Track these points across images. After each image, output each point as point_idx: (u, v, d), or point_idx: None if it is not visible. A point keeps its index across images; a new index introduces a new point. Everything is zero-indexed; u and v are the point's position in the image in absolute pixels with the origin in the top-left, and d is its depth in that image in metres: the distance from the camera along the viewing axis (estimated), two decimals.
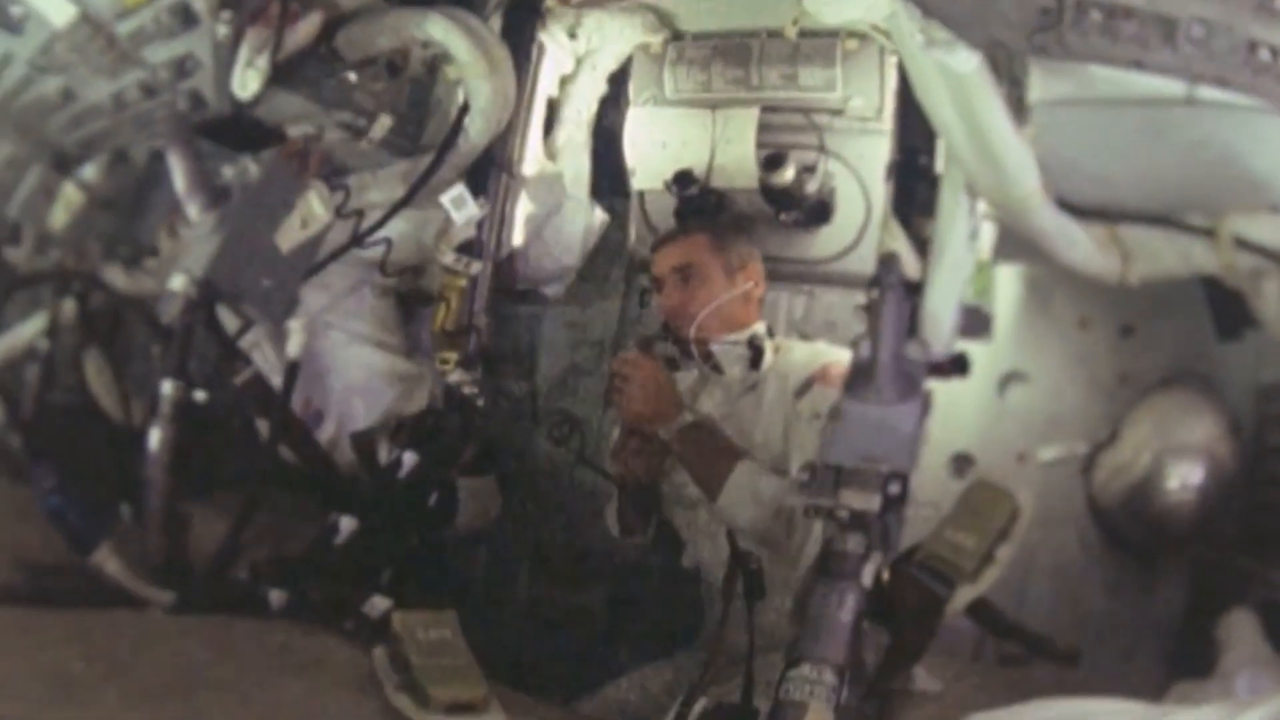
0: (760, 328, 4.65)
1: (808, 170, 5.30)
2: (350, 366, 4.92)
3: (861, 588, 2.80)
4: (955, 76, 3.33)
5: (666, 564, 4.71)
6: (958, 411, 5.44)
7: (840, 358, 4.17)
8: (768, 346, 4.57)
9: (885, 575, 2.89)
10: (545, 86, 5.41)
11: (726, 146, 5.52)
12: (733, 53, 5.56)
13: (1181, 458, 4.89)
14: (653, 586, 4.82)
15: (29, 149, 5.05)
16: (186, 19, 3.72)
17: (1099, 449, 5.24)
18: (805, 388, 4.29)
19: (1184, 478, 4.86)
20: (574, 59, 5.50)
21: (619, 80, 5.81)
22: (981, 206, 3.88)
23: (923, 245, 3.96)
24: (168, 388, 3.79)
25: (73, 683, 2.71)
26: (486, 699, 3.06)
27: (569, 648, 4.59)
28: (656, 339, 4.64)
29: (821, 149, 5.43)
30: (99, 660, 2.85)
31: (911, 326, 3.64)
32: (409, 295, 5.40)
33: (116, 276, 5.55)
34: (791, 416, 4.30)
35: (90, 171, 5.50)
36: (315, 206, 3.98)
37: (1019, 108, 3.47)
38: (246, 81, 3.89)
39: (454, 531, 4.87)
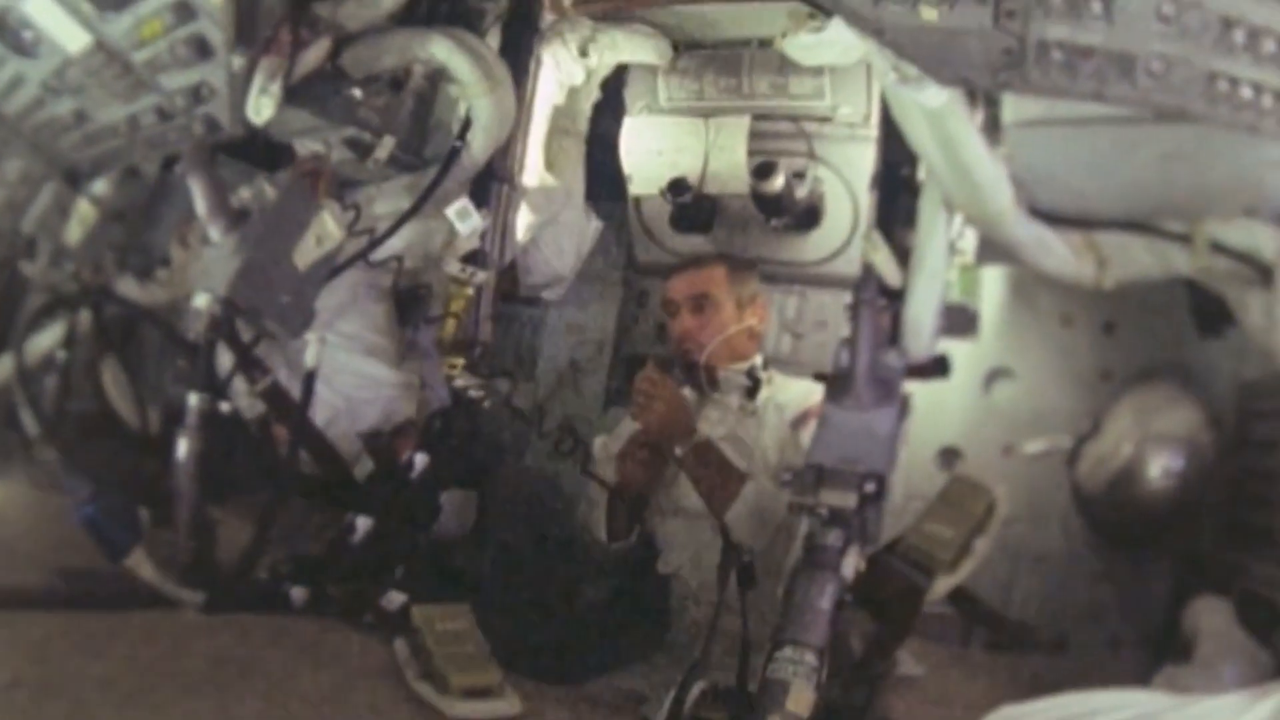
0: (759, 360, 4.88)
1: (797, 176, 5.45)
2: (339, 374, 5.01)
3: (840, 578, 2.94)
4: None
5: (641, 568, 4.88)
6: (945, 407, 5.56)
7: None
8: (764, 378, 4.78)
9: (862, 566, 3.04)
10: (544, 100, 5.48)
11: (719, 154, 5.66)
12: (725, 63, 5.72)
13: (1162, 446, 4.99)
14: (626, 590, 4.96)
15: (41, 166, 5.08)
16: (202, 50, 3.78)
17: (1082, 440, 5.35)
18: (801, 419, 4.52)
19: (1165, 466, 4.96)
20: (585, 72, 5.59)
21: (615, 89, 5.94)
22: (961, 216, 4.01)
23: (905, 254, 4.08)
24: (194, 400, 3.85)
25: (114, 682, 2.85)
26: (501, 685, 3.23)
27: (551, 642, 4.69)
28: (672, 360, 4.82)
29: (811, 156, 5.58)
30: (137, 659, 2.99)
31: (894, 332, 3.78)
32: (405, 294, 5.49)
33: (130, 288, 5.63)
34: (788, 443, 4.55)
35: (101, 186, 5.52)
36: (329, 225, 4.06)
37: (994, 127, 3.61)
38: (260, 108, 3.98)
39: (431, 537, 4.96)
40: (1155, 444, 5.02)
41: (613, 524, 4.80)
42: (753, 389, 4.79)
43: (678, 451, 4.48)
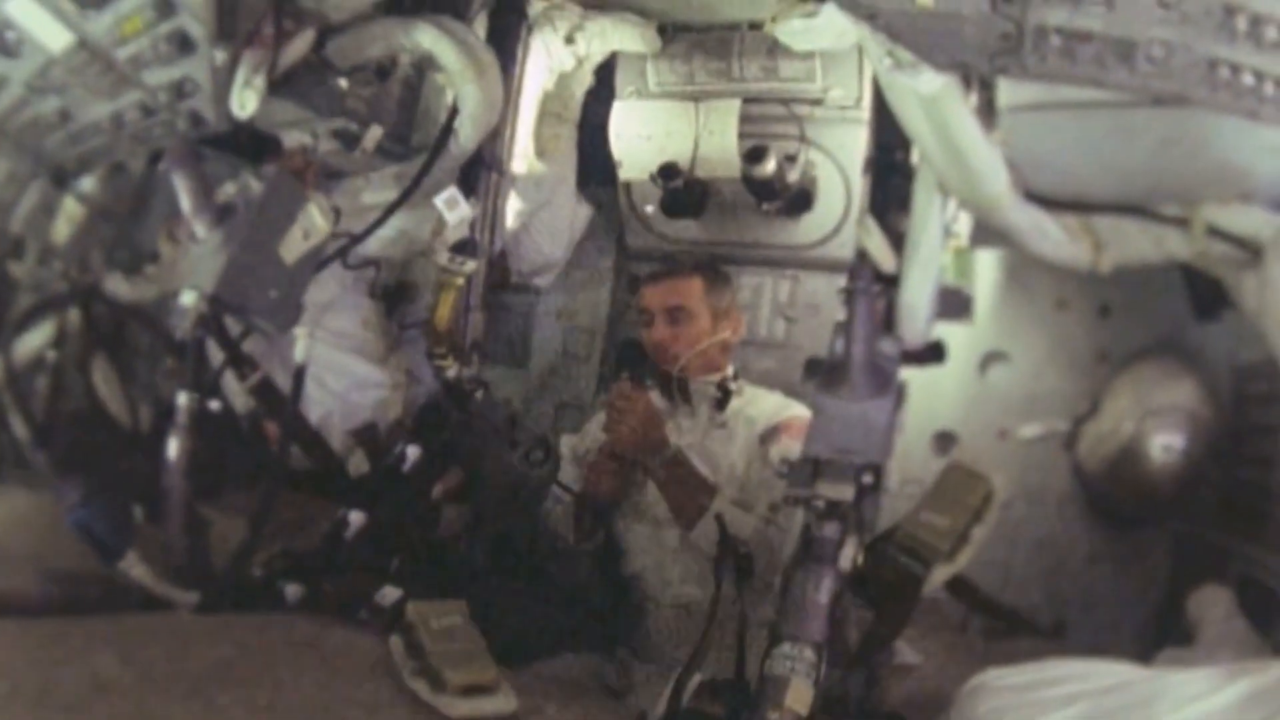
0: (730, 372, 4.93)
1: (789, 160, 5.42)
2: (329, 372, 5.04)
3: (838, 571, 2.93)
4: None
5: (607, 569, 4.94)
6: (940, 391, 5.57)
7: (803, 413, 4.51)
8: (734, 389, 4.82)
9: (860, 558, 3.02)
10: (533, 85, 5.45)
11: (709, 138, 5.63)
12: (714, 45, 5.68)
13: (1163, 421, 4.99)
14: (595, 581, 5.01)
15: (27, 165, 5.08)
16: (184, 45, 3.79)
17: (1081, 421, 5.35)
18: (772, 435, 4.58)
19: (1167, 440, 4.97)
20: (574, 59, 5.56)
21: (604, 73, 5.90)
22: (955, 201, 3.98)
23: (899, 239, 4.06)
24: (184, 399, 3.82)
25: (112, 687, 2.81)
26: (497, 681, 3.20)
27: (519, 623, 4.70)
28: (645, 370, 4.84)
29: (802, 139, 5.55)
30: (134, 663, 2.94)
31: (888, 318, 3.76)
32: (395, 289, 5.54)
33: (119, 285, 5.61)
34: (755, 457, 4.61)
35: (88, 183, 5.52)
36: (316, 218, 4.04)
37: (989, 111, 3.58)
38: (245, 101, 3.97)
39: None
40: (1156, 419, 5.02)
41: (579, 526, 4.82)
42: (723, 400, 4.83)
43: (651, 463, 4.51)
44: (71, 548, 3.50)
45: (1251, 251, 3.88)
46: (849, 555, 2.95)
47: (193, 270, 3.99)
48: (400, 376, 5.27)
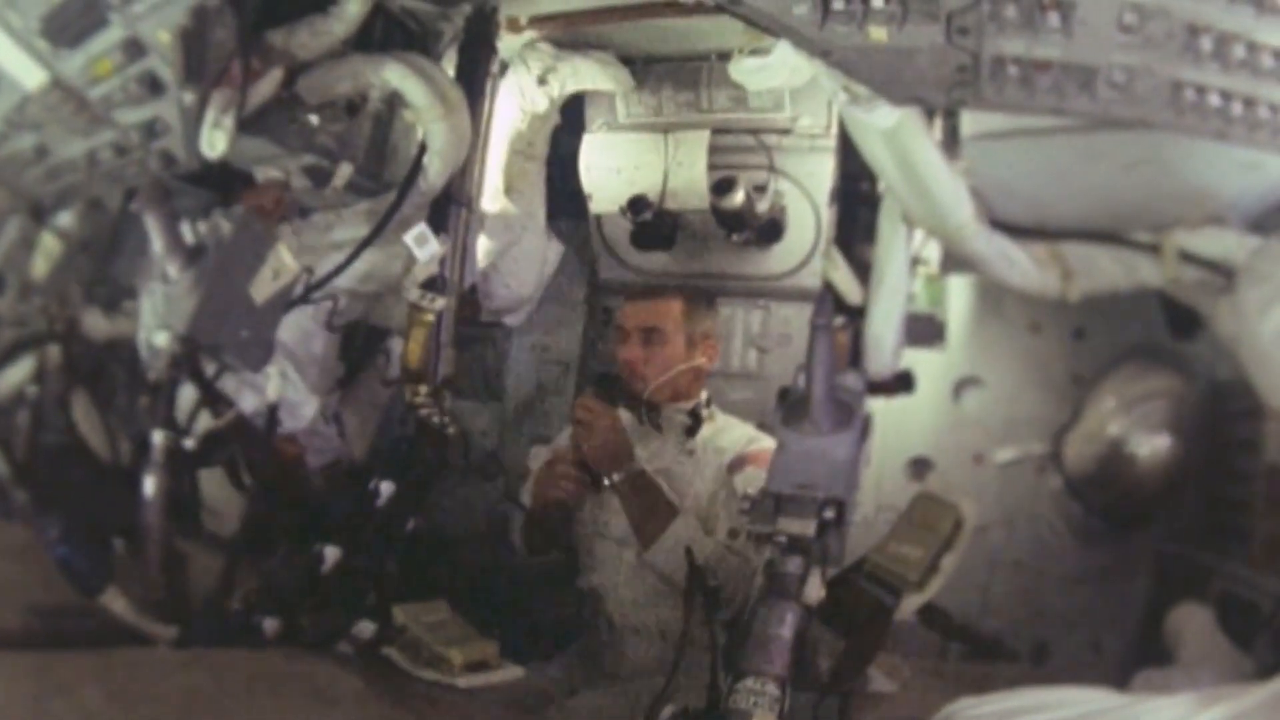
0: (703, 399, 4.91)
1: (758, 190, 5.43)
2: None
3: (801, 606, 2.94)
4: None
5: (563, 582, 4.93)
6: (915, 417, 5.56)
7: (772, 444, 4.45)
8: (705, 415, 4.83)
9: (823, 592, 3.02)
10: (503, 122, 5.44)
11: (679, 170, 5.63)
12: (683, 76, 5.68)
13: (1147, 408, 4.99)
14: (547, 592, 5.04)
15: (6, 200, 5.09)
16: (154, 87, 3.81)
17: (1064, 430, 5.35)
18: (739, 464, 4.55)
19: (1152, 427, 4.96)
20: (547, 100, 5.55)
21: (573, 106, 5.90)
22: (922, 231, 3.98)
23: (865, 270, 4.05)
24: (158, 438, 3.87)
25: None
26: (498, 656, 3.29)
27: None
28: (613, 385, 4.82)
29: (771, 169, 5.55)
30: (118, 697, 2.96)
31: (855, 349, 3.75)
32: (364, 331, 5.55)
33: (97, 320, 5.62)
34: (720, 486, 4.57)
35: (66, 219, 5.53)
36: (285, 258, 4.07)
37: (953, 140, 3.58)
38: (214, 141, 3.98)
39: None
40: (1140, 408, 5.03)
41: (530, 540, 4.84)
42: (693, 428, 4.81)
43: (615, 478, 4.51)
44: (54, 582, 3.49)
45: (1224, 276, 3.87)
46: (813, 589, 2.96)
47: (166, 311, 4.02)
48: (323, 426, 5.30)
